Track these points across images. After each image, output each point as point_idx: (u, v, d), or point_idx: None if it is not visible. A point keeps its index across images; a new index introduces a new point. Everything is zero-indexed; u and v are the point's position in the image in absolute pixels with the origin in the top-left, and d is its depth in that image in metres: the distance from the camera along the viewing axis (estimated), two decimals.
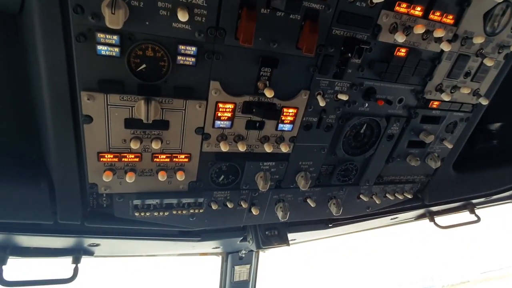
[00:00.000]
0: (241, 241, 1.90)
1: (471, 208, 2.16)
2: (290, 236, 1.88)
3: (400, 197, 1.77)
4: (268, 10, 1.00)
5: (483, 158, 1.96)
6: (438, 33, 1.18)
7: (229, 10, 0.97)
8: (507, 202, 2.26)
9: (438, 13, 1.20)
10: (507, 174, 2.00)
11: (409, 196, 1.79)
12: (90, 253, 1.58)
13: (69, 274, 1.45)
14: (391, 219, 2.16)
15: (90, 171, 1.13)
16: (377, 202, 1.71)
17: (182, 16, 0.89)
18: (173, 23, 0.94)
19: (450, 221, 2.18)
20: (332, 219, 1.90)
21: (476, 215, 2.14)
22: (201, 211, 1.37)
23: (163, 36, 0.96)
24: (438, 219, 2.19)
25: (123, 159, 1.14)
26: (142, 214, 1.27)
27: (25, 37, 1.00)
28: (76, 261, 1.50)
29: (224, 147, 1.19)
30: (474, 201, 2.12)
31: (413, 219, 2.27)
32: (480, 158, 1.96)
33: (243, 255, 2.29)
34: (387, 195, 1.76)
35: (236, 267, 2.30)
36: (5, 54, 1.06)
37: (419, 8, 1.17)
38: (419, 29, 1.16)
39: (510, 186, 1.99)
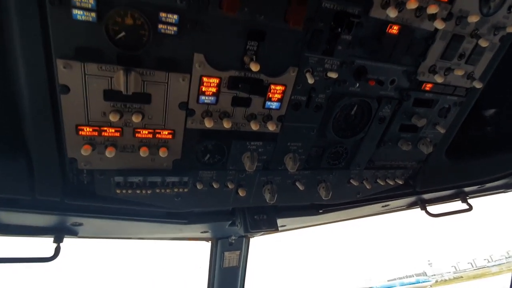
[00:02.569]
0: (229, 225, 1.88)
1: (463, 197, 2.14)
2: (280, 222, 1.86)
3: (391, 182, 1.75)
4: None
5: (477, 145, 1.93)
6: (432, 9, 1.14)
7: None
8: (500, 192, 2.25)
9: None
10: (501, 162, 1.98)
11: (400, 182, 1.77)
12: (73, 233, 1.55)
13: (50, 254, 1.42)
14: (382, 206, 2.14)
15: (68, 145, 1.09)
16: (368, 187, 1.69)
17: None
18: None
19: (442, 210, 2.17)
20: (322, 205, 1.88)
21: (468, 204, 2.13)
22: (185, 190, 1.34)
23: (143, 1, 0.92)
24: (429, 208, 2.17)
25: (103, 133, 1.10)
26: (124, 191, 1.24)
27: None
28: (58, 240, 1.47)
29: (208, 123, 1.16)
30: (466, 189, 2.10)
31: (404, 207, 2.25)
32: (473, 145, 1.94)
33: (233, 241, 2.28)
34: (378, 180, 1.73)
35: (226, 253, 2.29)
36: None
37: None
38: (412, 4, 1.12)
39: (503, 174, 1.97)
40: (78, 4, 0.87)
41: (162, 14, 0.95)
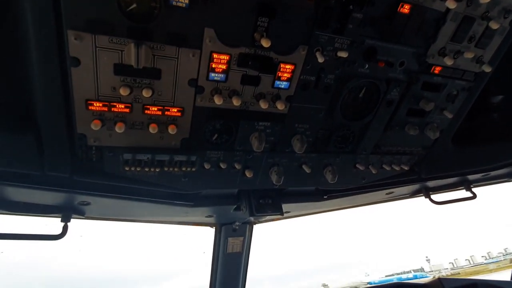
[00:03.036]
0: (234, 209, 1.88)
1: (468, 185, 2.15)
2: (285, 207, 1.86)
3: (397, 168, 1.75)
4: None
5: (483, 132, 1.93)
6: None
7: None
8: (504, 181, 2.25)
9: None
10: (506, 150, 1.98)
11: (406, 168, 1.77)
12: (81, 213, 1.56)
13: (58, 231, 1.43)
14: (387, 193, 2.14)
15: (78, 120, 1.09)
16: (373, 172, 1.69)
17: None
18: None
19: (446, 198, 2.17)
20: (327, 190, 1.88)
21: (472, 192, 2.13)
22: (193, 170, 1.34)
23: None
24: (433, 196, 2.18)
25: (112, 109, 1.10)
26: (133, 169, 1.24)
27: None
28: (66, 219, 1.48)
29: (218, 100, 1.15)
30: (470, 177, 2.10)
31: (408, 195, 2.26)
32: (480, 132, 1.93)
33: (237, 227, 2.29)
34: (383, 165, 1.73)
35: (230, 239, 2.30)
36: None
37: None
38: None
39: (508, 162, 1.97)
40: None
41: None
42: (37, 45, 0.96)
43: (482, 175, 2.09)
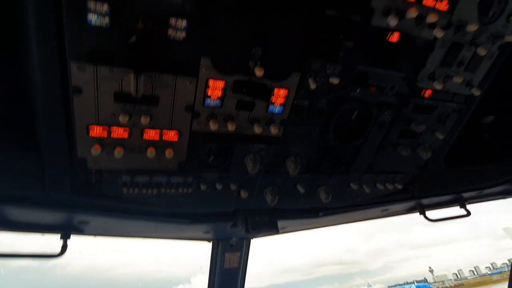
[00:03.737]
0: (231, 226, 1.91)
1: (462, 203, 2.17)
2: (280, 223, 1.89)
3: (390, 187, 1.78)
4: None
5: (475, 151, 1.96)
6: (431, 18, 1.18)
7: None
8: (498, 198, 2.27)
9: None
10: (499, 168, 2.01)
11: (399, 187, 1.80)
12: (79, 231, 1.59)
13: (58, 251, 1.46)
14: (381, 211, 2.17)
15: (79, 144, 1.14)
16: (367, 191, 1.72)
17: None
18: None
19: (440, 215, 2.19)
20: (322, 208, 1.91)
21: (467, 210, 2.15)
22: (189, 191, 1.38)
23: (154, 8, 0.96)
24: (428, 212, 2.19)
25: (112, 134, 1.14)
26: (131, 191, 1.28)
27: (18, 12, 1.00)
28: (65, 237, 1.51)
29: (213, 126, 1.20)
30: (465, 195, 2.13)
31: (403, 211, 2.28)
32: (472, 152, 1.96)
33: (234, 243, 2.30)
34: (377, 184, 1.76)
35: (227, 254, 2.31)
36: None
37: None
38: (412, 13, 1.16)
39: (501, 181, 1.99)
40: (93, 9, 0.91)
41: (172, 20, 0.99)
42: (42, 74, 1.02)
43: (476, 193, 2.11)
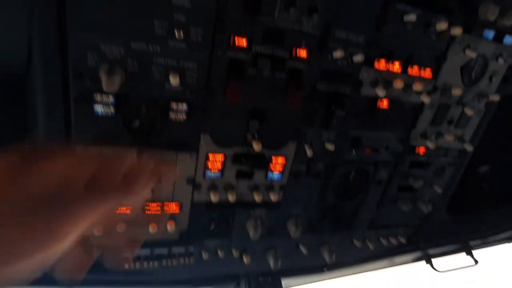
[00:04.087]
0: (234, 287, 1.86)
1: (468, 250, 2.12)
2: (285, 282, 1.84)
3: (394, 241, 1.76)
4: (255, 70, 1.08)
5: (477, 199, 1.97)
6: (417, 86, 1.26)
7: (218, 72, 1.05)
8: (505, 242, 2.23)
9: (416, 68, 1.28)
10: (504, 215, 2.00)
11: (403, 240, 1.78)
12: None
13: None
14: (388, 261, 2.12)
15: None
16: (371, 247, 1.70)
17: (174, 81, 0.96)
18: (166, 85, 1.01)
19: (449, 263, 2.14)
20: (327, 264, 1.87)
21: (474, 258, 2.10)
22: (191, 260, 1.37)
23: (156, 96, 1.03)
24: (435, 261, 2.15)
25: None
26: (132, 265, 1.26)
27: (27, 98, 1.06)
28: None
29: (214, 197, 1.22)
30: (471, 243, 2.10)
31: (410, 261, 2.22)
32: (473, 200, 1.97)
33: None
34: (380, 239, 1.75)
35: None
36: (9, 113, 1.13)
37: (397, 64, 1.25)
38: (398, 84, 1.23)
39: (506, 227, 1.98)
40: (99, 100, 0.97)
41: (173, 105, 1.05)
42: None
43: (482, 240, 2.09)
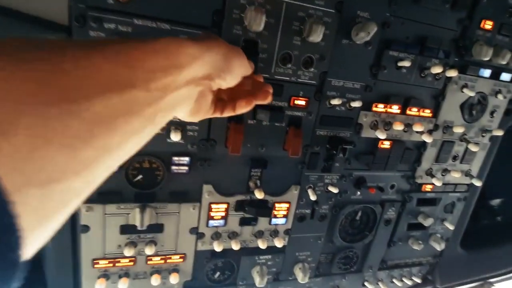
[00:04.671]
0: None
1: (489, 287, 2.01)
2: None
3: (409, 282, 1.68)
4: (255, 121, 1.10)
5: (492, 233, 1.89)
6: (417, 127, 1.26)
7: (218, 124, 1.08)
8: None
9: (415, 109, 1.29)
10: None
11: (418, 281, 1.70)
12: None
13: None
14: None
15: (84, 277, 1.14)
16: None
17: (175, 136, 0.99)
18: (168, 140, 1.04)
19: None
20: None
21: None
22: None
23: (158, 151, 1.05)
24: None
25: (117, 264, 1.15)
26: None
27: None
28: None
29: (218, 247, 1.20)
30: (490, 279, 1.99)
31: None
32: (488, 234, 1.89)
33: None
34: (393, 280, 1.67)
35: None
36: None
37: (396, 107, 1.26)
38: (398, 126, 1.24)
39: None
40: None
41: (175, 158, 1.07)
42: None
43: (502, 275, 1.98)
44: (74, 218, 1.08)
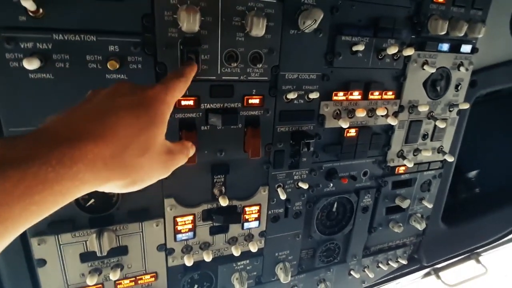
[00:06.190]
0: None
1: (476, 258, 2.03)
2: None
3: (394, 265, 1.67)
4: (208, 126, 1.04)
5: (472, 205, 1.90)
6: (381, 111, 1.22)
7: (169, 133, 1.01)
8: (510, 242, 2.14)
9: (377, 93, 1.25)
10: (503, 217, 1.92)
11: (404, 262, 1.70)
12: None
13: None
14: (396, 283, 2.02)
15: None
16: (371, 275, 1.61)
17: None
18: None
19: (458, 275, 2.04)
20: None
21: (483, 265, 2.01)
22: None
23: None
24: (444, 274, 2.05)
25: None
26: None
27: None
28: None
29: (188, 261, 1.15)
30: (476, 250, 2.00)
31: (419, 278, 2.12)
32: (469, 206, 1.90)
33: None
34: (380, 265, 1.66)
35: None
36: None
37: (356, 93, 1.22)
38: (361, 113, 1.20)
39: (506, 231, 1.89)
40: None
41: None
42: (3, 254, 0.99)
43: (487, 245, 1.99)
44: (28, 254, 1.01)
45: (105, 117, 0.50)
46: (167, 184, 1.07)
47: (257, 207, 1.23)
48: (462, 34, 1.23)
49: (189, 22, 0.84)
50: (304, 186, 1.24)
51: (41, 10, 0.77)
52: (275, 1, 0.97)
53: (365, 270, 1.62)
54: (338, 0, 1.07)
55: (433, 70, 1.26)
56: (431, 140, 1.47)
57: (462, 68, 1.35)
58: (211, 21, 0.92)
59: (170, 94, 0.63)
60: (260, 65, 1.02)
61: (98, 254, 1.01)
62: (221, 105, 1.03)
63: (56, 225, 0.98)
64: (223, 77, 1.00)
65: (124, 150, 0.50)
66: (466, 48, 1.34)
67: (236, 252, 1.21)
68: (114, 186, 0.54)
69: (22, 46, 0.78)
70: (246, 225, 1.24)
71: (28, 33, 0.78)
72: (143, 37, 0.88)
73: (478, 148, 1.75)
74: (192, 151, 0.76)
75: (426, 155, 1.43)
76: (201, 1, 0.89)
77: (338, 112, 1.22)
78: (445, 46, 1.30)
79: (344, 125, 1.17)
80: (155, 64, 0.92)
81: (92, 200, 1.00)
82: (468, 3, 1.26)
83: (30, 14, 0.76)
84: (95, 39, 0.83)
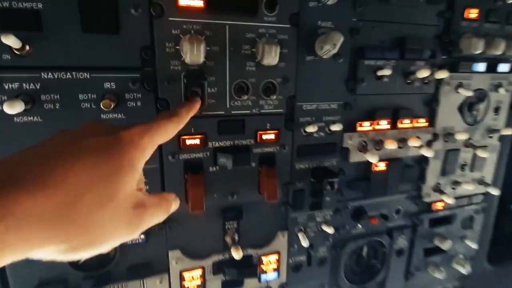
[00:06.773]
0: None
1: None
2: None
3: None
4: (217, 167, 0.92)
5: None
6: (413, 142, 1.07)
7: (173, 178, 0.89)
8: None
9: (407, 120, 1.11)
10: None
11: None
12: None
13: None
14: None
15: None
16: None
17: None
18: None
19: None
20: None
21: None
22: None
23: None
24: None
25: None
26: None
27: None
28: None
29: None
30: None
31: None
32: None
33: None
34: None
35: None
36: None
37: (384, 122, 1.08)
38: (391, 144, 1.05)
39: None
40: None
41: None
42: None
43: None
44: None
45: (59, 160, 0.39)
46: (171, 234, 0.94)
47: (275, 256, 1.07)
48: (500, 52, 1.09)
49: (193, 54, 0.74)
50: (329, 230, 1.08)
51: (27, 47, 0.68)
52: (288, 26, 0.87)
53: None
54: (358, 22, 0.97)
55: (470, 93, 1.11)
56: (471, 170, 1.29)
57: (501, 89, 1.20)
58: (217, 50, 0.82)
59: (149, 137, 0.50)
60: (274, 96, 0.90)
61: None
62: (231, 143, 0.91)
63: (45, 287, 0.85)
64: (232, 112, 0.89)
65: (74, 203, 0.38)
66: (504, 67, 1.20)
67: None
68: (55, 251, 0.40)
69: (7, 87, 0.70)
70: (263, 277, 1.08)
71: (13, 73, 0.70)
72: (142, 71, 0.79)
73: None
74: (175, 205, 0.58)
75: (466, 188, 1.26)
76: (206, 29, 0.80)
77: (364, 144, 1.08)
78: (480, 66, 1.16)
79: (373, 159, 1.02)
80: (156, 101, 0.81)
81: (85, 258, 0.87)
82: (502, 19, 1.14)
83: (16, 52, 0.68)
84: (88, 76, 0.74)
